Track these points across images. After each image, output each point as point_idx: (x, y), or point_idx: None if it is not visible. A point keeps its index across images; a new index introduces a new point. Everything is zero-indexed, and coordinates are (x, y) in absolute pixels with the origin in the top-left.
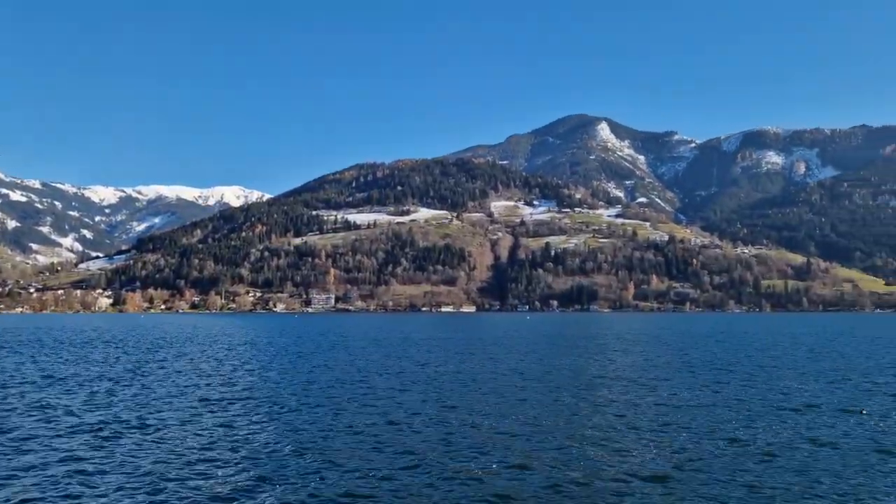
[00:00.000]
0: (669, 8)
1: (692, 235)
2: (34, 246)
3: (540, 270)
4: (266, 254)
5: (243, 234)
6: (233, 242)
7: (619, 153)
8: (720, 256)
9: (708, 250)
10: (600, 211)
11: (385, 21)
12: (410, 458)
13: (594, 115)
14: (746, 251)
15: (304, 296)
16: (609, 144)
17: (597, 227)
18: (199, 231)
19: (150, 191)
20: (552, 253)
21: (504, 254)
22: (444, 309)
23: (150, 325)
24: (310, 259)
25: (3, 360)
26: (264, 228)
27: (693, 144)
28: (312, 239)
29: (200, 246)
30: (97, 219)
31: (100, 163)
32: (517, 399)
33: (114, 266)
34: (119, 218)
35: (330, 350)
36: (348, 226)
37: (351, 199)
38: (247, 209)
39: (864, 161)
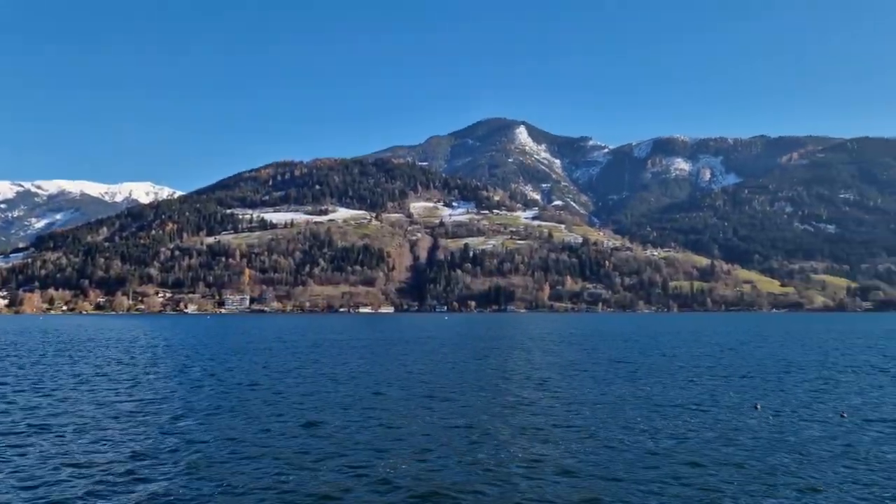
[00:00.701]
0: (583, 18)
1: (605, 238)
2: None
3: (458, 271)
4: (177, 253)
5: (153, 232)
6: (142, 241)
7: (537, 157)
8: (631, 259)
9: (620, 252)
10: (518, 213)
11: (303, 21)
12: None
13: (513, 119)
14: (655, 254)
15: (218, 296)
16: (527, 148)
17: (514, 229)
18: (105, 229)
19: (52, 185)
20: (471, 254)
21: (423, 255)
22: (362, 310)
23: (40, 327)
24: (224, 259)
25: None
26: (175, 227)
27: (606, 150)
28: (226, 238)
29: (107, 244)
30: None
31: None
32: (423, 396)
33: (9, 265)
34: (16, 214)
35: (235, 354)
36: (264, 225)
37: (268, 197)
38: (157, 206)
39: (763, 169)
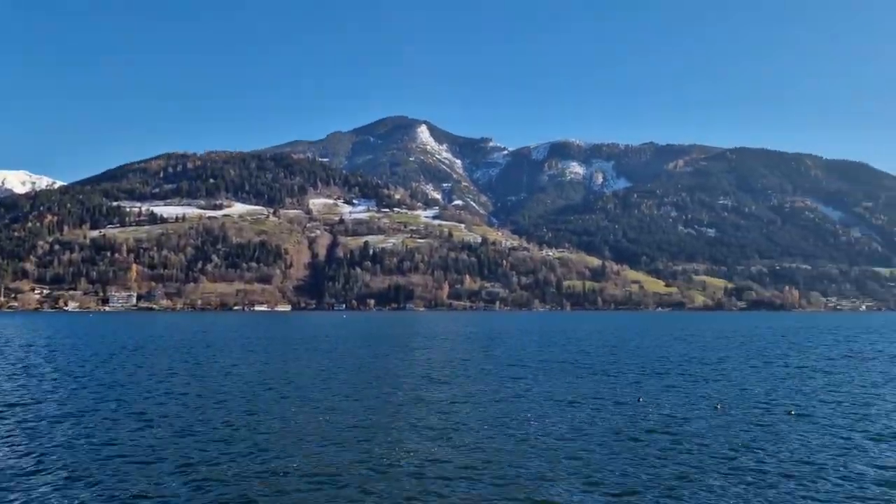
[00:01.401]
0: (484, 19)
1: (503, 238)
2: None
3: (358, 269)
4: (57, 247)
5: (29, 224)
6: (16, 233)
7: (438, 156)
8: (528, 258)
9: (517, 252)
10: (418, 212)
11: (199, 9)
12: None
13: (415, 118)
14: (551, 254)
15: (102, 293)
16: (428, 147)
17: (414, 228)
18: None
19: None
20: (370, 252)
21: (322, 252)
22: (258, 308)
23: None
24: (109, 254)
25: None
26: (55, 219)
27: (506, 152)
28: (112, 232)
29: None
30: None
31: None
32: (323, 396)
33: None
34: None
35: (117, 354)
36: (154, 219)
37: (158, 190)
38: (34, 197)
39: (651, 175)
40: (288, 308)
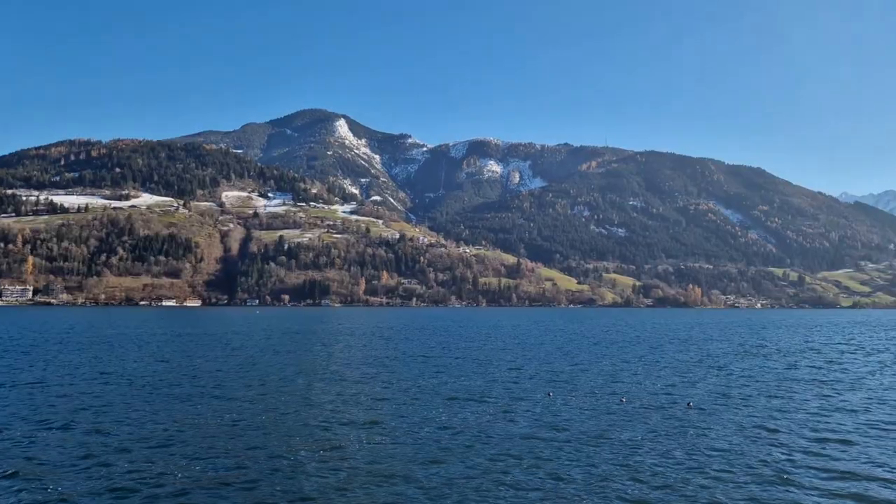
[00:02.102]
0: (404, 15)
1: (421, 234)
2: None
3: (272, 264)
4: None
5: None
6: None
7: (356, 151)
8: (445, 255)
9: (434, 249)
10: (335, 207)
11: None
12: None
13: (333, 112)
14: (468, 251)
15: None
16: (347, 142)
17: (331, 223)
18: None
19: None
20: (286, 247)
21: (235, 246)
22: (165, 303)
23: None
24: (2, 245)
25: None
26: None
27: (425, 148)
28: (6, 222)
29: None
30: None
31: None
32: (212, 395)
33: None
34: None
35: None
36: (54, 208)
37: (58, 178)
38: None
39: (565, 175)
40: (198, 303)
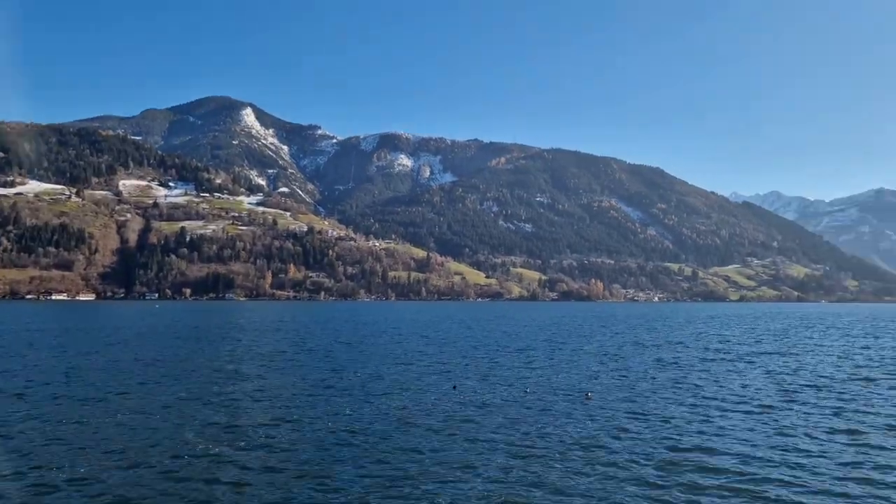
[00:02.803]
0: (313, 8)
1: (330, 227)
2: None
3: (173, 256)
4: None
5: None
6: None
7: (264, 141)
8: (354, 249)
9: (343, 242)
10: (241, 198)
11: None
12: None
13: (239, 100)
14: (377, 244)
15: None
16: (253, 131)
17: (237, 214)
18: None
19: None
20: (188, 238)
21: (133, 237)
22: (55, 297)
23: None
24: None
25: None
26: None
27: (335, 140)
28: None
29: None
30: None
31: None
32: (94, 395)
33: None
34: None
35: None
36: None
37: None
38: None
39: (475, 170)
40: (92, 297)
